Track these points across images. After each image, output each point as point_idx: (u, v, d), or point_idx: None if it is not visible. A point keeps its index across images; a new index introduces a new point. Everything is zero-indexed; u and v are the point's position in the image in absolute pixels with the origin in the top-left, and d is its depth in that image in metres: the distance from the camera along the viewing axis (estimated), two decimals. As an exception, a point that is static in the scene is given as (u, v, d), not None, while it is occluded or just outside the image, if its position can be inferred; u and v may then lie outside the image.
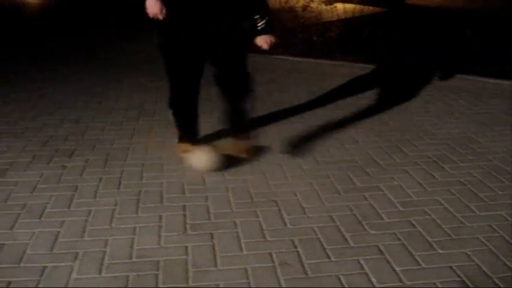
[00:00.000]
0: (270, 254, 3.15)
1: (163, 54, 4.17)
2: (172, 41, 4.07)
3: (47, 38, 10.71)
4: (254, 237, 3.34)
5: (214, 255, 3.16)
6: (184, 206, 3.74)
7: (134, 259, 3.13)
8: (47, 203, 3.83)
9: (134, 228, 3.47)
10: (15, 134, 5.18)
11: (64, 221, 3.57)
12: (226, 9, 4.03)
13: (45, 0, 17.13)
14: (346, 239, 3.29)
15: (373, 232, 3.36)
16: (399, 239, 3.27)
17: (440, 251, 3.16)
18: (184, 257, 3.14)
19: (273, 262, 3.08)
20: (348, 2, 12.47)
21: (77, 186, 4.07)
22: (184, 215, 3.62)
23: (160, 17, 3.80)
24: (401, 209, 3.65)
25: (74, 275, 2.99)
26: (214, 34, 4.07)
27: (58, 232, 3.43)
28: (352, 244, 3.24)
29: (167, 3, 3.82)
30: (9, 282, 2.94)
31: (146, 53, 8.46)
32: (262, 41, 4.07)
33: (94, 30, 11.36)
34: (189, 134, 4.62)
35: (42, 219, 3.61)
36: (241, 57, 4.28)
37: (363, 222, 3.47)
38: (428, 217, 3.53)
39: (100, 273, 3.01)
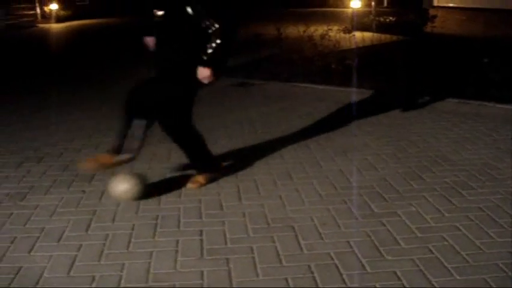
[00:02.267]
0: (286, 280, 3.14)
1: None
2: None
3: (72, 65, 10.87)
4: (270, 262, 3.33)
5: (230, 280, 3.15)
6: (201, 230, 3.75)
7: (150, 283, 3.14)
8: (66, 226, 3.86)
9: (151, 252, 3.48)
10: (36, 159, 5.25)
11: (81, 244, 3.60)
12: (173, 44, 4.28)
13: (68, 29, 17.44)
14: (363, 265, 3.27)
15: (390, 258, 3.34)
16: (417, 265, 3.25)
17: (458, 277, 3.12)
18: (200, 281, 3.15)
19: (289, 287, 3.07)
20: (366, 31, 12.53)
21: (95, 211, 4.11)
22: (201, 240, 3.62)
23: None
24: (419, 235, 3.62)
25: (90, 298, 3.01)
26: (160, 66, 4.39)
27: (76, 256, 3.46)
28: (369, 270, 3.22)
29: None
30: (26, 305, 2.96)
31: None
32: (199, 74, 4.18)
33: (112, 60, 11.51)
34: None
35: (60, 242, 3.65)
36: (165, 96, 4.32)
37: (381, 248, 3.45)
38: (446, 243, 3.50)
39: (116, 296, 3.02)
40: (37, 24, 21.13)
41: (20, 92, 8.74)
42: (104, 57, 12.07)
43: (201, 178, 4.53)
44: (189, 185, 4.49)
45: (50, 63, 11.47)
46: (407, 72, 8.64)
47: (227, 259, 3.37)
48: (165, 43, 4.32)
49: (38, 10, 22.21)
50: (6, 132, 6.30)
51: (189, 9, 4.09)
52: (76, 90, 8.65)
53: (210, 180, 4.55)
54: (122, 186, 4.21)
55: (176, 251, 3.49)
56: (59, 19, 21.60)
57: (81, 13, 21.98)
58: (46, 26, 20.66)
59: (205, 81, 4.21)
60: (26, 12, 21.89)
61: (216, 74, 4.20)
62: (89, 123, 6.50)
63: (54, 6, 21.80)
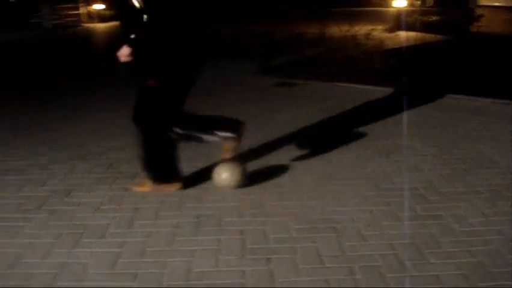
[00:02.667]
0: (328, 281, 3.11)
1: None
2: None
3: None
4: (312, 263, 3.31)
5: (272, 280, 3.14)
6: (242, 230, 3.75)
7: (191, 281, 3.15)
8: (109, 223, 3.91)
9: (193, 250, 3.49)
10: (80, 157, 5.33)
11: (124, 241, 3.63)
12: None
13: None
14: (406, 268, 3.22)
15: (434, 261, 3.28)
16: (460, 269, 3.19)
17: (503, 282, 3.05)
18: (241, 280, 3.14)
19: (331, 289, 3.05)
20: (410, 30, 12.40)
21: (138, 208, 4.14)
22: (243, 239, 3.62)
23: None
24: (463, 238, 3.55)
25: (133, 295, 3.03)
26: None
27: (119, 252, 3.49)
28: (412, 273, 3.17)
29: None
30: (69, 300, 3.00)
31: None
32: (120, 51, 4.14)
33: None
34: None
35: (103, 239, 3.69)
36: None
37: (425, 251, 3.40)
38: (490, 247, 3.42)
39: (158, 294, 3.04)
40: (82, 24, 21.48)
41: (65, 90, 8.89)
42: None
43: (148, 184, 4.50)
44: (134, 187, 4.53)
45: (94, 62, 11.64)
46: (451, 72, 8.52)
47: (268, 259, 3.36)
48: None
49: (83, 10, 22.55)
50: (51, 130, 6.41)
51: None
52: (120, 89, 8.75)
53: (156, 190, 4.44)
54: (224, 174, 4.37)
55: (218, 250, 3.49)
56: (103, 19, 21.92)
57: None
58: (91, 25, 21.01)
59: (122, 58, 4.15)
60: (71, 12, 22.24)
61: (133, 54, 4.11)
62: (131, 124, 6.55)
63: (98, 6, 22.14)
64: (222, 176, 4.39)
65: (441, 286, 3.04)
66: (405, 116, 6.42)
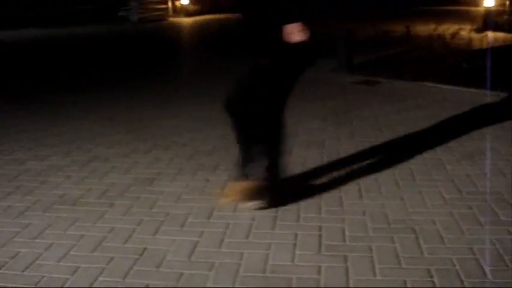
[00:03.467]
0: (405, 282, 3.08)
1: None
2: None
3: (201, 58, 11.20)
4: (389, 263, 3.28)
5: (347, 278, 3.13)
6: (320, 226, 3.75)
7: (267, 274, 3.18)
8: (189, 213, 3.99)
9: (270, 244, 3.52)
10: (164, 147, 5.47)
11: (203, 231, 3.71)
12: None
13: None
14: (485, 273, 3.14)
15: (516, 268, 3.20)
16: (544, 278, 3.09)
17: None
18: (317, 276, 3.15)
19: (407, 290, 3.02)
20: (499, 31, 12.03)
21: (218, 199, 4.21)
22: (320, 235, 3.62)
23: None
24: (548, 246, 3.44)
25: (208, 284, 3.09)
26: None
27: (197, 241, 3.57)
28: (492, 279, 3.09)
29: None
30: (147, 284, 3.09)
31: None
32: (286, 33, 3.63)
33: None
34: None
35: (183, 228, 3.77)
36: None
37: (506, 257, 3.30)
38: None
39: (233, 284, 3.08)
40: (168, 18, 21.93)
41: (154, 82, 9.12)
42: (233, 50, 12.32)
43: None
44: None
45: (180, 56, 11.88)
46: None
47: (345, 256, 3.36)
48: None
49: (170, 4, 23.02)
50: (137, 120, 6.59)
51: None
52: (205, 81, 8.93)
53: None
54: None
55: (295, 245, 3.51)
56: (189, 13, 22.31)
57: (211, 7, 22.57)
58: (176, 20, 21.41)
59: (297, 38, 3.62)
60: (157, 6, 22.76)
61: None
62: (216, 114, 6.67)
63: (184, 1, 22.54)
64: None
65: (522, 294, 2.96)
66: (491, 118, 6.25)
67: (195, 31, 18.19)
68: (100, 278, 3.17)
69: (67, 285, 3.11)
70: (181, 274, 3.19)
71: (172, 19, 21.83)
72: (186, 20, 21.19)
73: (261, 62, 3.81)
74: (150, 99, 7.69)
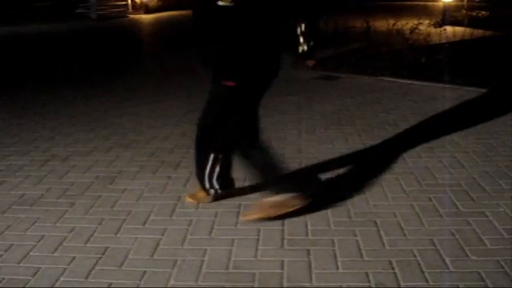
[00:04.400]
0: (367, 274, 3.11)
1: None
2: None
3: (161, 54, 11.13)
4: (351, 256, 3.30)
5: (310, 272, 3.15)
6: (283, 221, 3.76)
7: (231, 270, 3.18)
8: (151, 211, 3.97)
9: (233, 240, 3.52)
10: (125, 146, 5.42)
11: (165, 229, 3.69)
12: None
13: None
14: (446, 264, 3.19)
15: (475, 258, 3.24)
16: (502, 267, 3.14)
17: (547, 282, 3.01)
18: (280, 271, 3.16)
19: (369, 282, 3.04)
20: (457, 25, 12.21)
21: (180, 197, 4.19)
22: (282, 230, 3.63)
23: None
24: (506, 236, 3.50)
25: (172, 282, 3.08)
26: None
27: (160, 239, 3.55)
28: (452, 269, 3.14)
29: None
30: (110, 284, 3.06)
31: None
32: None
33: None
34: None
35: (145, 226, 3.75)
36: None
37: (465, 248, 3.36)
38: (535, 246, 3.37)
39: (196, 281, 3.08)
40: (127, 15, 21.73)
41: (114, 80, 9.02)
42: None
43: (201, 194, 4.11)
44: (187, 198, 4.17)
45: (140, 54, 11.79)
46: (498, 69, 8.37)
47: (307, 250, 3.37)
48: None
49: (129, 1, 22.81)
50: (97, 118, 6.52)
51: None
52: (165, 79, 8.87)
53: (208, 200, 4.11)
54: None
55: (257, 240, 3.51)
56: (150, 10, 22.14)
57: (170, 4, 22.42)
58: (136, 16, 21.23)
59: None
60: (116, 3, 22.52)
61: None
62: (177, 112, 6.65)
63: (144, -2, 22.37)
64: None
65: (481, 283, 3.00)
66: (449, 111, 6.35)
67: (155, 28, 18.06)
68: (62, 279, 3.13)
69: (28, 287, 3.06)
70: (144, 272, 3.17)
71: (132, 16, 21.64)
72: (146, 17, 21.02)
73: (226, 83, 3.61)
74: (111, 98, 7.60)
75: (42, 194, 4.31)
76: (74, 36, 16.00)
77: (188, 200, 4.14)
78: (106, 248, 3.44)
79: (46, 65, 10.83)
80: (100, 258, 3.33)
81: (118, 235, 3.62)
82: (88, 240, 3.56)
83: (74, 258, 3.34)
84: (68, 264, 3.27)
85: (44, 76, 9.67)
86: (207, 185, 4.01)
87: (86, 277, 3.14)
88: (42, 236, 3.63)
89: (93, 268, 3.22)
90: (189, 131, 5.76)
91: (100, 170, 4.80)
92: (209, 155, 3.92)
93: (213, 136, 3.86)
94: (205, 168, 3.96)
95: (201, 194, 4.11)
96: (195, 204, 4.05)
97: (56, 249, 3.45)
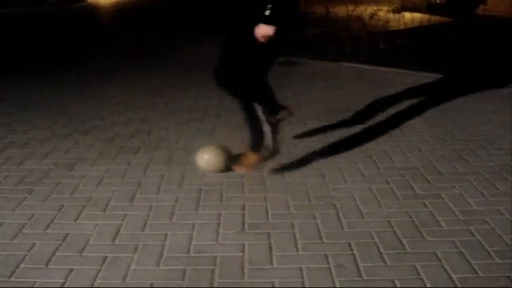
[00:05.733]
0: (326, 256, 3.16)
1: None
2: None
3: (118, 40, 11.02)
4: (311, 238, 3.35)
5: (271, 254, 3.19)
6: (243, 205, 3.79)
7: (191, 254, 3.20)
8: (111, 197, 3.95)
9: (193, 224, 3.54)
10: (84, 132, 5.37)
11: (126, 214, 3.68)
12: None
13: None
14: (403, 245, 3.26)
15: (431, 239, 3.32)
16: (457, 247, 3.23)
17: (498, 261, 3.09)
18: (241, 254, 3.19)
19: (329, 264, 3.09)
20: (416, 11, 12.34)
21: (140, 183, 4.19)
22: (243, 214, 3.66)
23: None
24: (461, 217, 3.59)
25: (133, 266, 3.08)
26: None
27: (120, 225, 3.55)
28: (409, 250, 3.21)
29: None
30: (71, 270, 3.05)
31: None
32: (257, 30, 3.85)
33: (163, 34, 11.62)
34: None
35: (106, 212, 3.74)
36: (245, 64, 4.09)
37: (422, 229, 3.44)
38: (488, 227, 3.46)
39: (158, 265, 3.09)
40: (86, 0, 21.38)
41: (73, 66, 8.90)
42: (155, 30, 12.20)
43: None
44: (237, 169, 4.35)
45: (100, 39, 11.65)
46: (454, 54, 8.52)
47: (268, 233, 3.41)
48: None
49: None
50: (56, 104, 6.44)
51: None
52: (124, 64, 8.79)
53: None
54: (205, 156, 4.29)
55: (218, 224, 3.54)
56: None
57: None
58: (95, 1, 20.89)
59: (262, 39, 3.84)
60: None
61: (279, 33, 3.84)
62: (136, 98, 6.61)
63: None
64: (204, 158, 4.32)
65: (437, 263, 3.08)
66: (407, 96, 6.44)
67: (115, 13, 17.81)
68: (22, 265, 3.10)
69: (-15, 274, 3.04)
70: (105, 258, 3.17)
71: (90, 0, 21.30)
72: (105, 2, 20.69)
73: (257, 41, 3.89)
74: (70, 83, 7.50)
75: (0, 181, 4.26)
76: (32, 22, 15.69)
77: (240, 170, 4.29)
78: (67, 234, 3.42)
79: (1, 51, 10.61)
80: (60, 244, 3.31)
81: (78, 221, 3.60)
82: (48, 226, 3.53)
83: (33, 245, 3.31)
84: (28, 251, 3.24)
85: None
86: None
87: (47, 263, 3.12)
88: (1, 224, 3.59)
89: (53, 254, 3.20)
90: (150, 117, 5.76)
91: (58, 156, 4.75)
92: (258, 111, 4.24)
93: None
94: (260, 121, 4.24)
95: (251, 158, 4.30)
96: (156, 189, 4.06)
97: (15, 237, 3.42)
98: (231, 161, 4.33)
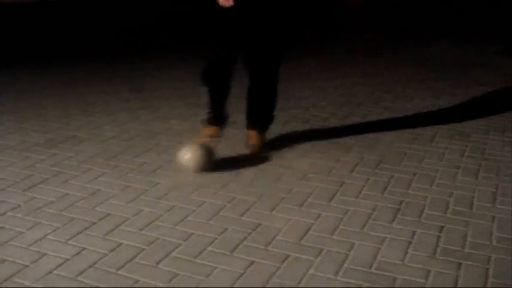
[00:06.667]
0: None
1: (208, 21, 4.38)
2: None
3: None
4: (504, 278, 3.04)
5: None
6: (442, 227, 3.58)
7: (373, 270, 3.09)
8: (311, 193, 3.98)
9: (384, 238, 3.42)
10: (303, 120, 5.48)
11: (320, 214, 3.69)
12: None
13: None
14: None
15: None
16: None
17: None
18: (423, 281, 3.01)
19: None
20: None
21: (343, 182, 4.17)
22: (439, 237, 3.46)
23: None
24: None
25: (311, 271, 3.07)
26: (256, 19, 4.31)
27: (312, 224, 3.56)
28: None
29: None
30: (252, 262, 3.13)
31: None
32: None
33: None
34: (217, 117, 4.66)
35: (301, 208, 3.78)
36: (272, 49, 4.43)
37: None
38: None
39: (336, 275, 3.04)
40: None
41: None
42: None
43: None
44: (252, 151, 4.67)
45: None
46: None
47: (459, 264, 3.17)
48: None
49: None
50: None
51: None
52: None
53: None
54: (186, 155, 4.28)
55: (410, 243, 3.36)
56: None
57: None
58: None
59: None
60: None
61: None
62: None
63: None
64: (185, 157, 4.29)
65: None
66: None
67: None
68: (209, 248, 3.25)
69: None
70: (287, 256, 3.20)
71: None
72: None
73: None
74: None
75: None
76: None
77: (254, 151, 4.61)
78: (258, 225, 3.53)
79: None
80: (250, 233, 3.42)
81: (273, 213, 3.70)
82: (244, 214, 3.68)
83: (226, 229, 3.47)
84: (219, 235, 3.40)
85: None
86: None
87: (232, 251, 3.24)
88: (203, 203, 3.81)
89: (240, 243, 3.33)
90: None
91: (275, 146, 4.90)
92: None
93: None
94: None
95: (262, 139, 4.69)
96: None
97: (211, 218, 3.61)
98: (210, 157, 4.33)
